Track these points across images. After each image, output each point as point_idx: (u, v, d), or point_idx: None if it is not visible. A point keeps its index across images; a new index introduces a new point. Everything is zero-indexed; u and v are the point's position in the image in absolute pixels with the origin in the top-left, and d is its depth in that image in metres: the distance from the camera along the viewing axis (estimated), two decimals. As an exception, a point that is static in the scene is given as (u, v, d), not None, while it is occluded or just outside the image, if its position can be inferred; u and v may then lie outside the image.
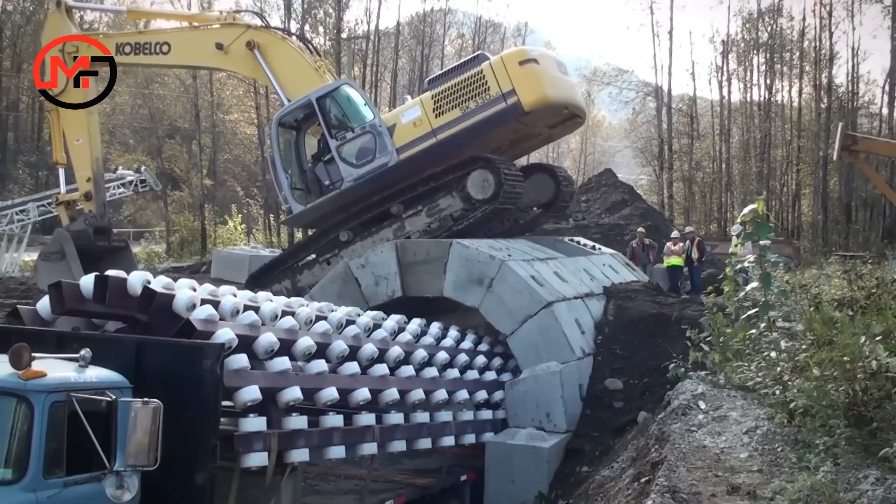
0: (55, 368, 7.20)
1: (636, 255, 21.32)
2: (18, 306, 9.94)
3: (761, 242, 11.64)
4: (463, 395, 12.84)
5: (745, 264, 12.39)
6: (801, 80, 49.60)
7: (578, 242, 18.92)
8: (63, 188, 20.62)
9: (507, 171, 15.87)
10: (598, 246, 18.98)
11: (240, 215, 45.97)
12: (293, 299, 11.52)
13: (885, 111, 47.24)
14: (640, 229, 23.68)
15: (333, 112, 17.01)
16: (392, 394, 11.14)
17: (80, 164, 19.25)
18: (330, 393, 10.02)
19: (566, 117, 17.21)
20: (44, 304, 9.45)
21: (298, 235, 41.61)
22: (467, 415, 13.00)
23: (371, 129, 16.50)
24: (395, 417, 11.27)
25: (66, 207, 19.69)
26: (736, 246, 19.78)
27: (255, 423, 8.90)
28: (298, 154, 17.54)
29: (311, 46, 19.09)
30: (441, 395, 12.24)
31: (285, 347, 9.76)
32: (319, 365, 10.12)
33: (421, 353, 12.10)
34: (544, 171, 18.98)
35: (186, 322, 8.77)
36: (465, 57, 21.54)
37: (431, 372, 12.29)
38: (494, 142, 16.51)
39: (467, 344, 13.76)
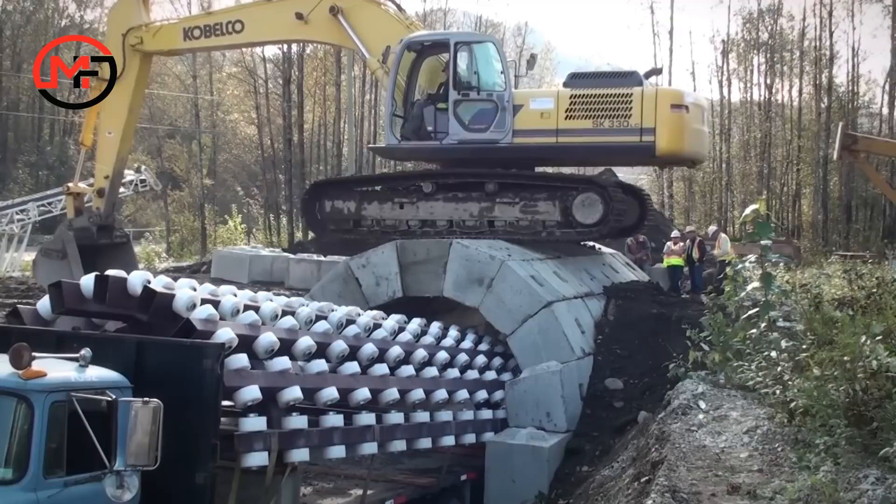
0: (55, 368, 7.19)
1: (631, 251, 21.31)
2: (18, 306, 9.95)
3: (762, 242, 11.62)
4: (463, 394, 12.83)
5: (737, 266, 12.38)
6: (801, 79, 49.55)
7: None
8: (77, 177, 20.31)
9: (619, 202, 15.15)
10: (598, 246, 18.98)
11: (240, 215, 45.93)
12: (293, 299, 11.51)
13: (885, 111, 47.23)
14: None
15: (466, 64, 15.66)
16: (392, 393, 11.13)
17: (104, 158, 18.88)
18: (330, 393, 10.02)
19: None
20: (44, 304, 9.44)
21: (299, 235, 41.68)
22: (467, 414, 13.00)
23: (497, 100, 15.36)
24: (396, 417, 11.27)
25: (75, 199, 19.30)
26: (714, 248, 19.92)
27: (255, 423, 8.90)
28: (409, 82, 16.19)
29: (397, 4, 17.33)
30: (441, 394, 12.23)
31: (285, 347, 9.75)
32: (319, 365, 10.11)
33: (421, 353, 12.09)
34: (634, 195, 17.87)
35: (186, 322, 8.76)
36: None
37: (431, 372, 12.27)
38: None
39: (467, 344, 13.75)
